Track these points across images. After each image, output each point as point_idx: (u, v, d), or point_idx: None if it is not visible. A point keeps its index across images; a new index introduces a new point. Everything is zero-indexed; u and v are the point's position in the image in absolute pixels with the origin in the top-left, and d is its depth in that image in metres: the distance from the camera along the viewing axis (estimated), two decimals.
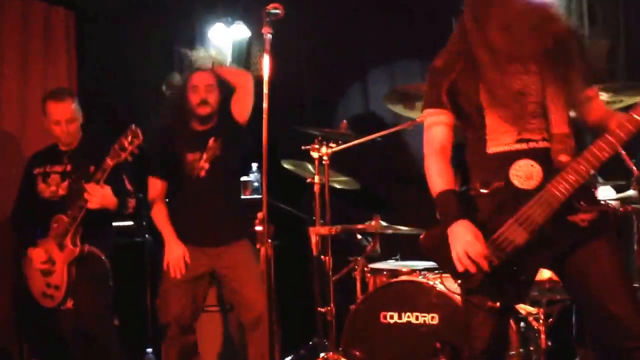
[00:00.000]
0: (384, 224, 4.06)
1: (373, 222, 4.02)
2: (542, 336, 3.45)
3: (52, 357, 4.32)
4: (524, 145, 2.44)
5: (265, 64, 2.73)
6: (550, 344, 3.46)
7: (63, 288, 3.92)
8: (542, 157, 2.42)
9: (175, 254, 4.00)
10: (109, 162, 3.81)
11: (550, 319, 3.50)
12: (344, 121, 4.06)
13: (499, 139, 2.48)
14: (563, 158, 2.39)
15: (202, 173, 4.03)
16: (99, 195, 3.81)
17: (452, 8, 4.92)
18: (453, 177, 2.57)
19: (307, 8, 4.72)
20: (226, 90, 4.15)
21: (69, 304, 3.94)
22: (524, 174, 2.41)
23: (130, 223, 4.86)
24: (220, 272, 4.06)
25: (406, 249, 4.42)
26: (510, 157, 2.44)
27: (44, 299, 4.00)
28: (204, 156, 4.03)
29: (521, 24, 2.41)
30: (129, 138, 3.78)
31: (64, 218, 3.91)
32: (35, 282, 4.02)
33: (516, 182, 2.41)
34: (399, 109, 3.98)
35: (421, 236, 2.64)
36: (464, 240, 2.42)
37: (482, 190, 2.49)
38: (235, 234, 4.04)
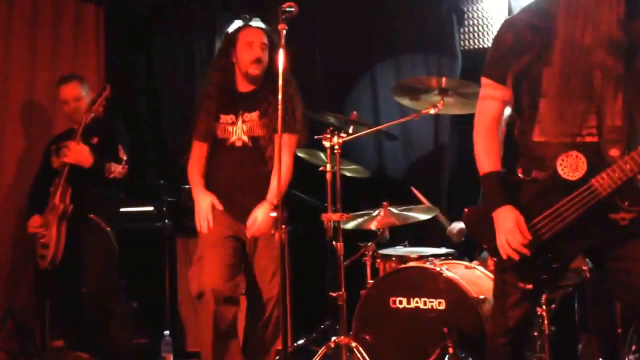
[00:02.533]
0: (394, 210, 4.08)
1: (382, 211, 4.05)
2: (545, 322, 3.46)
3: (74, 337, 4.37)
4: (567, 139, 2.39)
5: (281, 58, 2.79)
6: (553, 329, 3.48)
7: (52, 246, 4.08)
8: (589, 150, 2.37)
9: (203, 204, 3.68)
10: (84, 117, 4.17)
11: (553, 305, 3.52)
12: (354, 112, 4.08)
13: (546, 129, 2.43)
14: (614, 152, 2.35)
15: (238, 139, 3.69)
16: (73, 151, 4.09)
17: (453, 4, 5.02)
18: (499, 156, 2.54)
19: (317, 4, 4.75)
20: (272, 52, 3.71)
21: (57, 261, 4.09)
22: (570, 165, 2.37)
23: (151, 208, 4.89)
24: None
25: (415, 235, 4.46)
26: (555, 148, 2.40)
27: (40, 261, 4.17)
28: (242, 120, 3.69)
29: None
30: (100, 93, 4.20)
31: (56, 180, 4.15)
32: (37, 248, 4.20)
33: (561, 172, 2.38)
34: (405, 101, 4.00)
35: (465, 210, 2.64)
36: (506, 228, 2.42)
37: (522, 177, 2.48)
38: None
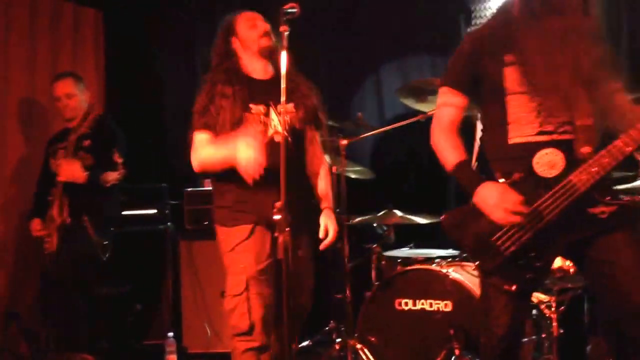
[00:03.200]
0: (398, 213, 4.04)
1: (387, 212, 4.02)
2: (554, 324, 3.42)
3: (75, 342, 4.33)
4: (545, 137, 2.39)
5: (283, 60, 2.72)
6: (562, 331, 3.44)
7: (54, 256, 4.05)
8: (565, 147, 2.37)
9: (245, 154, 2.85)
10: (71, 137, 4.08)
11: (562, 307, 3.47)
12: (359, 114, 4.03)
13: (521, 129, 2.42)
14: (585, 149, 2.35)
15: (277, 134, 3.06)
16: (64, 170, 4.03)
17: (458, 6, 4.98)
18: (464, 150, 2.52)
19: (322, 5, 4.72)
20: None
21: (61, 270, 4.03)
22: (547, 162, 2.37)
23: (154, 211, 4.87)
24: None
25: (420, 237, 4.41)
26: (532, 148, 2.40)
27: (44, 269, 4.13)
28: (277, 112, 3.10)
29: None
30: (85, 117, 4.10)
31: (54, 190, 4.09)
32: (41, 255, 4.15)
33: (539, 170, 2.38)
34: (411, 102, 3.96)
35: (442, 217, 2.59)
36: (494, 199, 2.37)
37: (502, 181, 2.45)
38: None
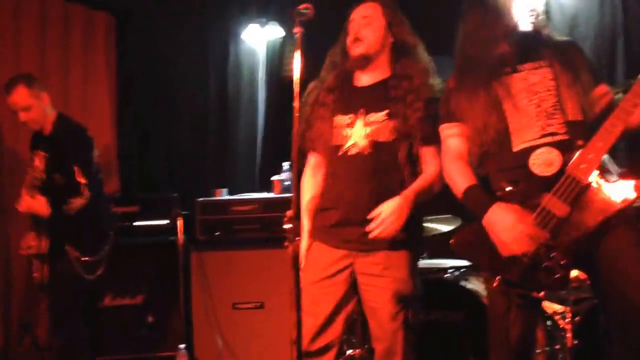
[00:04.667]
0: None
1: None
2: (569, 334, 3.35)
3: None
4: (549, 139, 2.39)
5: (296, 63, 2.64)
6: (576, 342, 3.36)
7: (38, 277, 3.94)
8: (565, 147, 2.36)
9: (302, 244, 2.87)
10: (29, 171, 3.87)
11: (577, 317, 3.41)
12: None
13: (524, 136, 2.42)
14: (580, 142, 2.34)
15: (354, 146, 2.83)
16: (25, 204, 3.80)
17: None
18: (473, 175, 2.51)
19: (337, 9, 4.66)
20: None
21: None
22: (543, 161, 2.36)
23: (165, 222, 4.82)
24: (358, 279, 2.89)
25: (433, 247, 4.35)
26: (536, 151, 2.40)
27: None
28: (365, 122, 2.84)
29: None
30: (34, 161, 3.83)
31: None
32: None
33: (536, 170, 2.36)
34: None
35: (451, 240, 2.54)
36: (507, 223, 2.34)
37: (508, 189, 2.41)
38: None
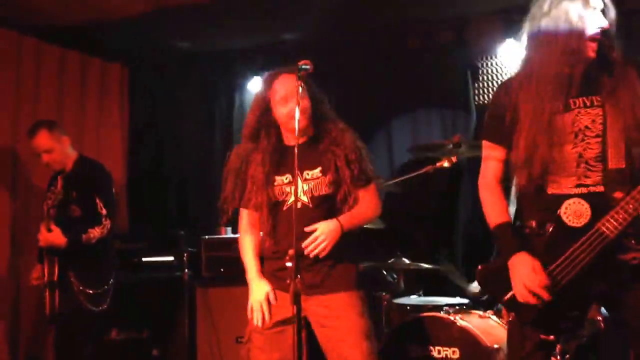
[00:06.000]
0: (406, 261, 4.06)
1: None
2: None
3: None
4: (583, 190, 2.38)
5: (297, 116, 2.77)
6: None
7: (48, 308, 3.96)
8: (597, 199, 2.34)
9: (257, 295, 3.01)
10: (45, 207, 3.92)
11: (567, 355, 3.44)
12: None
13: (560, 181, 2.41)
14: (617, 195, 2.31)
15: (297, 201, 2.89)
16: (43, 237, 3.85)
17: (465, 62, 5.06)
18: (506, 208, 2.52)
19: (336, 61, 4.85)
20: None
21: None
22: (573, 212, 2.35)
23: (171, 258, 4.90)
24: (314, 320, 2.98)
25: (429, 285, 4.42)
26: (568, 200, 2.38)
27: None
28: (303, 179, 2.99)
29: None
30: (56, 184, 3.90)
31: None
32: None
33: (566, 220, 2.35)
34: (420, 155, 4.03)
35: (479, 267, 2.58)
36: (523, 273, 2.37)
37: (539, 231, 2.43)
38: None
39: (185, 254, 4.85)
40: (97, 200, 3.93)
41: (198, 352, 4.75)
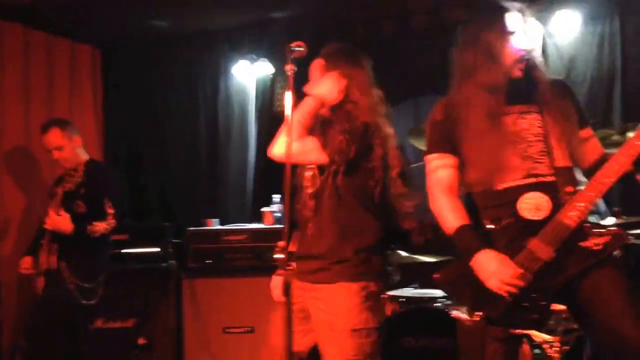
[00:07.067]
0: (402, 253, 4.02)
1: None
2: None
3: None
4: (532, 180, 2.41)
5: (288, 101, 2.60)
6: None
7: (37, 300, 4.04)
8: (550, 189, 2.38)
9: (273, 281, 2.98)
10: (58, 190, 4.05)
11: (566, 347, 3.38)
12: None
13: (508, 177, 2.43)
14: (569, 189, 2.36)
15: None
16: (51, 220, 3.93)
17: None
18: (465, 212, 2.49)
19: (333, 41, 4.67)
20: None
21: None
22: (533, 205, 2.37)
23: (157, 249, 4.86)
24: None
25: (425, 277, 4.33)
26: (521, 191, 2.40)
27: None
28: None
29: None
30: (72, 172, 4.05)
31: (45, 235, 4.04)
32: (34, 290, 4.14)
33: (525, 214, 2.37)
34: (420, 144, 3.93)
35: (436, 274, 2.55)
36: (491, 269, 2.36)
37: (492, 227, 2.45)
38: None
39: (170, 245, 4.86)
40: (106, 200, 4.01)
41: (185, 340, 4.74)
